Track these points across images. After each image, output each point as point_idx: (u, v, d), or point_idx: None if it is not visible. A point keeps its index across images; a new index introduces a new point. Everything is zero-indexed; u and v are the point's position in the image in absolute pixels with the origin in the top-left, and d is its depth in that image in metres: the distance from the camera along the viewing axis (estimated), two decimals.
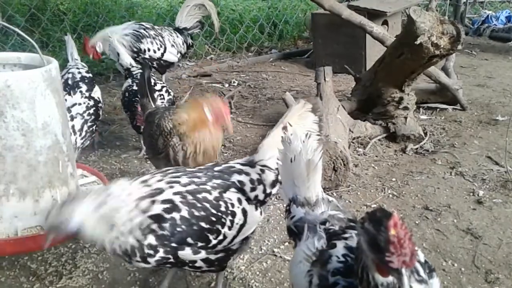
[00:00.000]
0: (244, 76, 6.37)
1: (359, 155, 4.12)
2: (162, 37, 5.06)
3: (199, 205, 2.02)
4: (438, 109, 5.01)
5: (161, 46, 4.97)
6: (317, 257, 1.70)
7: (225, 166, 2.27)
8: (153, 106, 3.25)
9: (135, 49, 4.83)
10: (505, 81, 5.98)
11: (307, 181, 1.98)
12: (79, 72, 3.87)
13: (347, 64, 5.27)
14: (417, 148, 4.21)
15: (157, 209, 1.95)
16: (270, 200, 2.37)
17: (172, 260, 2.00)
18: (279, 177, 2.22)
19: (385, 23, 6.22)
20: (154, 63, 4.96)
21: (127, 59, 4.25)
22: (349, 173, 3.58)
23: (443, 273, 2.68)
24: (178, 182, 2.07)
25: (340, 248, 1.66)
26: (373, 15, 5.80)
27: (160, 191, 2.01)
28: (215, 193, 2.09)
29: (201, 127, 2.76)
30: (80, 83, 3.76)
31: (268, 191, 2.26)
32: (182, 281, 2.62)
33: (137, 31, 4.90)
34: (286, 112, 2.28)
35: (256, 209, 2.23)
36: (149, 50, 4.88)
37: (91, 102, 3.70)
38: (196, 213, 2.00)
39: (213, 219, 2.04)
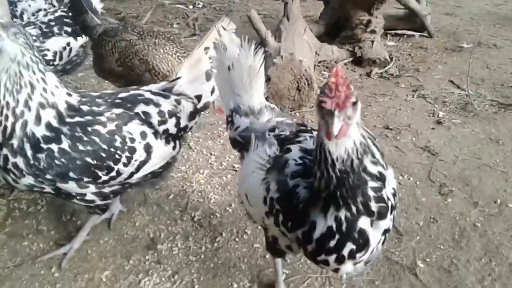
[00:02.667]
0: None
1: (324, 78, 4.06)
2: None
3: (86, 138, 1.81)
4: (405, 36, 4.95)
5: None
6: (272, 164, 1.65)
7: (133, 92, 1.99)
8: (98, 21, 2.99)
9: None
10: (473, 11, 5.94)
11: (249, 89, 1.88)
12: None
13: None
14: (382, 72, 4.18)
15: (39, 132, 1.77)
16: (188, 132, 2.13)
17: (51, 191, 1.86)
18: (199, 106, 2.03)
19: None
20: None
21: None
22: (313, 93, 3.53)
23: (399, 186, 2.73)
24: (80, 111, 1.85)
25: (296, 152, 1.61)
26: None
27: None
28: (111, 126, 1.87)
29: None
30: None
31: (183, 124, 2.01)
32: (139, 194, 2.58)
33: None
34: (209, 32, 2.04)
35: (168, 143, 2.00)
36: None
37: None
38: (81, 147, 1.80)
39: (103, 155, 1.84)
